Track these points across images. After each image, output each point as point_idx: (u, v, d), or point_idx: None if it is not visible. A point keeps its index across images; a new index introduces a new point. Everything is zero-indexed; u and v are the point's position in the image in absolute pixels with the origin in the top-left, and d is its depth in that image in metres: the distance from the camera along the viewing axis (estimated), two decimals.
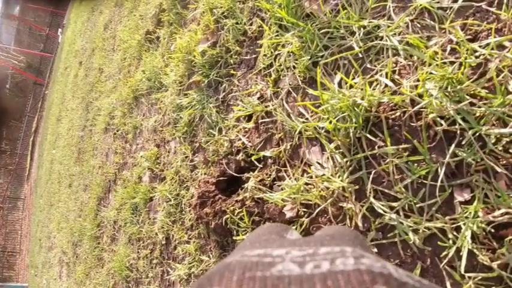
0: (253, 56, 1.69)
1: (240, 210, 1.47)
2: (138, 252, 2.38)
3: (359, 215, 1.14)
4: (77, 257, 4.33)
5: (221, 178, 1.61)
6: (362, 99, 1.14)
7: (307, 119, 1.37)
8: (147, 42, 2.91)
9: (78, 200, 4.60)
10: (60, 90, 8.93)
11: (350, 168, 1.19)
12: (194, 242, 1.81)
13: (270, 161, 1.47)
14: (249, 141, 1.56)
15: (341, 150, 1.22)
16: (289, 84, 1.46)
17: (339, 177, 1.24)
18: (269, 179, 1.41)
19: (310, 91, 1.36)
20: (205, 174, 1.77)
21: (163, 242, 2.06)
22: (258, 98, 1.59)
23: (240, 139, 1.60)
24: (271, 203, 1.35)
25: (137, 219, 2.45)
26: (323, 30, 1.33)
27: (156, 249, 2.15)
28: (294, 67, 1.44)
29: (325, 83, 1.26)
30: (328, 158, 1.33)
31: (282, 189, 1.37)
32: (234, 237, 1.53)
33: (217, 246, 1.66)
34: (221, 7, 1.89)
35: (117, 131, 3.22)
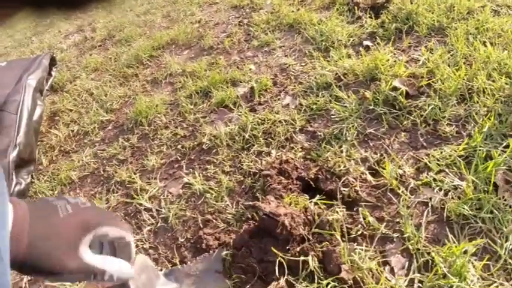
0: None
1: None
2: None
3: None
4: None
5: (305, 179, 1.27)
6: None
7: None
8: None
9: None
10: None
11: None
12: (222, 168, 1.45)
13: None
14: (365, 193, 1.16)
15: None
16: None
17: None
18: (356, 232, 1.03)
19: None
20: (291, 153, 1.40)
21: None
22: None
23: (361, 185, 1.22)
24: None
25: (195, 102, 2.11)
26: None
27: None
28: None
29: None
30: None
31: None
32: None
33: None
34: None
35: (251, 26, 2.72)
